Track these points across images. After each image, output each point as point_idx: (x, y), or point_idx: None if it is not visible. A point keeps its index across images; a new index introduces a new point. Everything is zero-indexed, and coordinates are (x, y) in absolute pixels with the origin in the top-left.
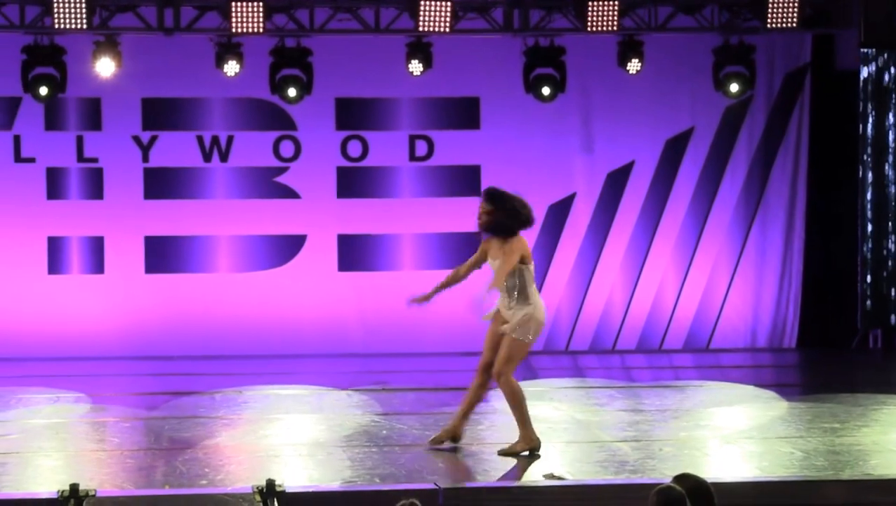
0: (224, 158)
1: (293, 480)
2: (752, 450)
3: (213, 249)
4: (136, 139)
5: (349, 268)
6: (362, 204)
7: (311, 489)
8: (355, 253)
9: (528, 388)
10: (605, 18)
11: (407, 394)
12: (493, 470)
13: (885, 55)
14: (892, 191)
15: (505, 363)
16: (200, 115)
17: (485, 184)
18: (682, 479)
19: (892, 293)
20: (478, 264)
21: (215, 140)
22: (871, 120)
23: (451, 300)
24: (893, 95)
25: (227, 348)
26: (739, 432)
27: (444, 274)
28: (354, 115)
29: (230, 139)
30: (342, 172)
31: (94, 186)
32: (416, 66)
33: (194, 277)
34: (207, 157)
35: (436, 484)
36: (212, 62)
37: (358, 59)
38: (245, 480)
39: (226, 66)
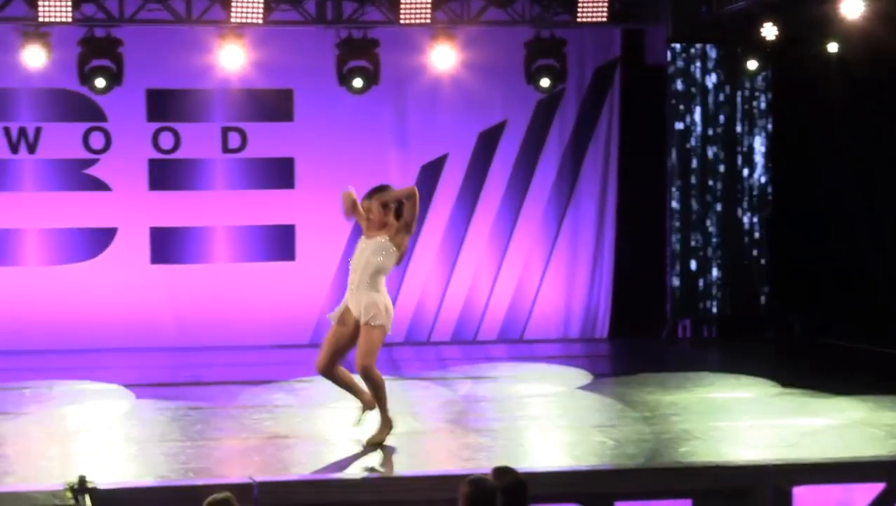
0: (32, 149)
1: (105, 476)
2: (566, 439)
3: (22, 242)
4: None
5: (161, 261)
6: (175, 196)
7: (123, 486)
8: (168, 246)
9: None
10: (417, 11)
11: (220, 388)
12: (309, 463)
13: (693, 50)
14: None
15: None
16: (7, 105)
17: (298, 176)
18: (501, 474)
19: (700, 283)
20: None
21: (22, 131)
22: (678, 114)
23: (266, 296)
24: (699, 89)
25: (36, 343)
26: (553, 422)
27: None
28: (166, 106)
29: (38, 130)
30: (154, 164)
31: None
32: (229, 58)
33: (2, 270)
34: (14, 148)
35: (251, 478)
36: (18, 52)
37: (169, 50)
38: (56, 476)
39: (31, 55)
